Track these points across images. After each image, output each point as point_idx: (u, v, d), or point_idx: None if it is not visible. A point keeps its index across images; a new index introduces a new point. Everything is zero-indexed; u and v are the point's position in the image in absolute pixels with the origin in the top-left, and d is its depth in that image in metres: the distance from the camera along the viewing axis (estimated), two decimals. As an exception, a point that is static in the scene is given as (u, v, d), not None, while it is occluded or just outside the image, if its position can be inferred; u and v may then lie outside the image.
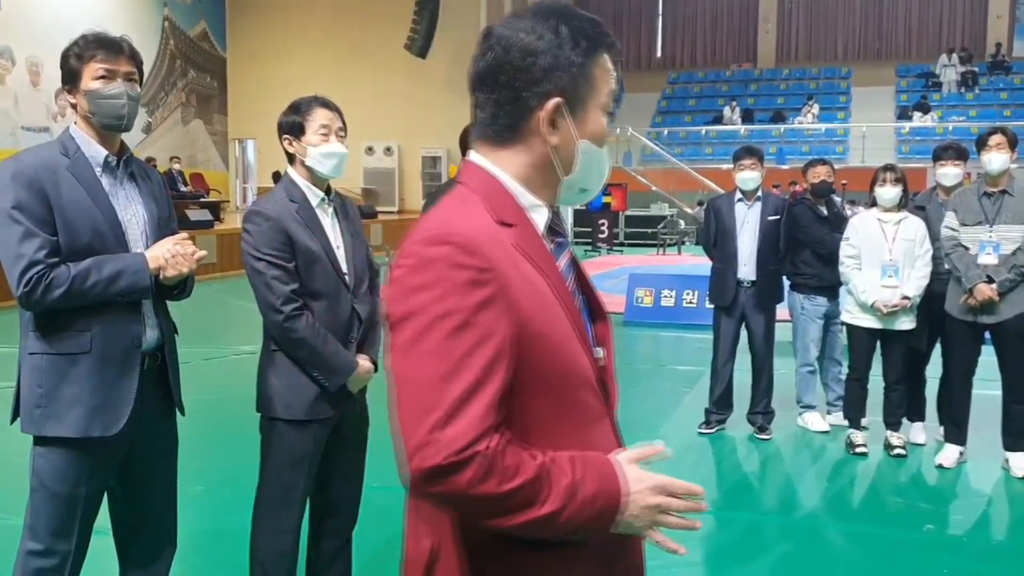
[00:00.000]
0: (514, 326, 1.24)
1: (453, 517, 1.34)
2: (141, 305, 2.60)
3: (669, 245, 20.31)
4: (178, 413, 2.83)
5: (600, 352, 1.44)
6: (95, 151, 2.55)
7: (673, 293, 10.44)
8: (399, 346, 1.24)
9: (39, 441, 2.53)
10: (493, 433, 1.20)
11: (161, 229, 2.67)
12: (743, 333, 5.94)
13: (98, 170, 2.55)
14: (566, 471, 1.26)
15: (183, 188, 18.44)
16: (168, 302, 2.77)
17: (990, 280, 4.95)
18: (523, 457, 1.23)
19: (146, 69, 20.04)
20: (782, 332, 6.11)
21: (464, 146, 4.22)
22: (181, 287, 2.70)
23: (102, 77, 2.52)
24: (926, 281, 5.31)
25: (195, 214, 15.26)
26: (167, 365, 2.72)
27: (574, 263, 1.50)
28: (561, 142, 1.37)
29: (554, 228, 1.44)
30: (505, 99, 1.35)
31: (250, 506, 3.06)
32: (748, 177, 5.82)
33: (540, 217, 1.40)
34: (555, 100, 1.34)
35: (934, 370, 5.68)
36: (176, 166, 18.73)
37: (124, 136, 2.67)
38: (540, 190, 1.40)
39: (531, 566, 1.34)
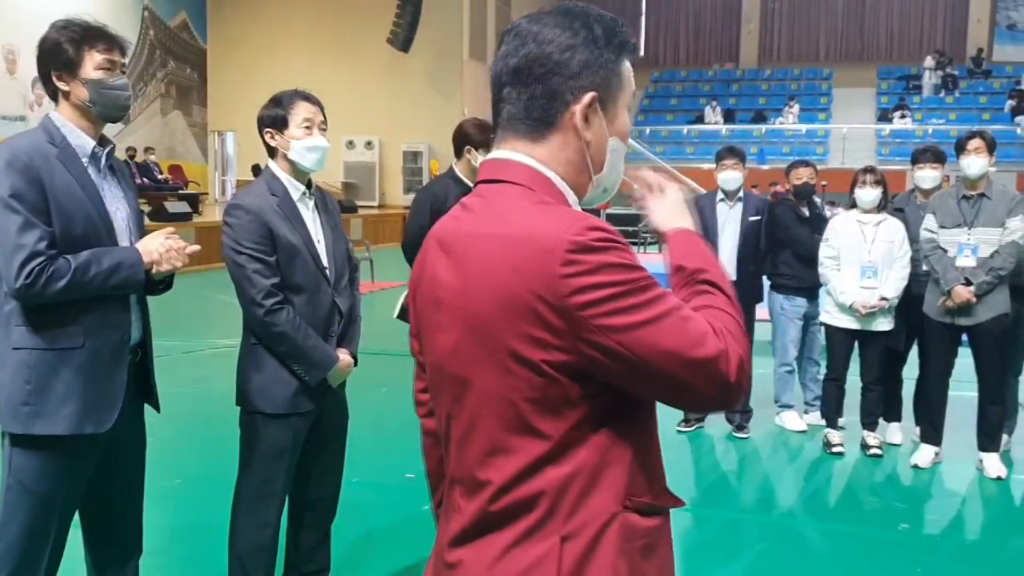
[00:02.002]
0: None
1: (600, 504, 1.32)
2: (128, 300, 2.56)
3: (650, 243, 20.35)
4: (147, 409, 2.78)
5: None
6: (82, 141, 2.49)
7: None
8: (628, 323, 1.25)
9: (21, 439, 2.43)
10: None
11: (139, 223, 2.65)
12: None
13: (84, 160, 2.49)
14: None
15: (159, 177, 18.31)
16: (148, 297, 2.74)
17: (968, 282, 4.99)
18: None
19: (127, 59, 20.08)
20: (761, 332, 6.14)
21: (459, 142, 4.21)
22: (167, 282, 2.67)
23: (106, 68, 2.48)
24: (904, 283, 5.35)
25: (173, 206, 15.13)
26: (146, 360, 2.70)
27: None
28: (593, 138, 1.39)
29: None
30: (540, 93, 1.36)
31: (229, 500, 3.05)
32: (730, 177, 5.84)
33: None
34: (591, 94, 1.36)
35: (911, 371, 5.72)
36: (151, 157, 18.58)
37: (105, 126, 2.63)
38: (577, 190, 1.42)
39: (650, 541, 1.37)
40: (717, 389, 1.28)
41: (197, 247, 2.67)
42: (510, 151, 1.39)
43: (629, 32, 1.42)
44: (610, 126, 1.40)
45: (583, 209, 1.42)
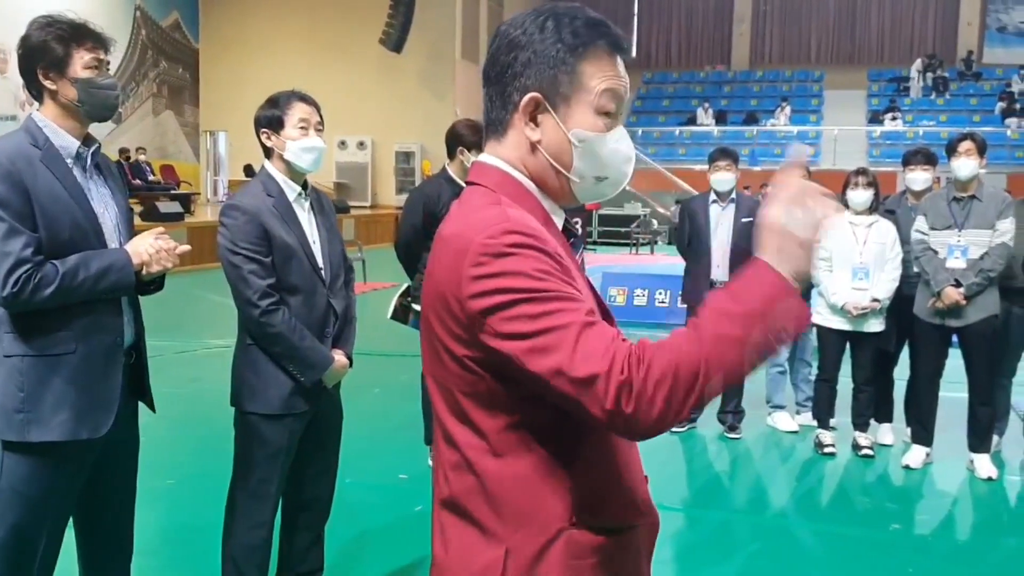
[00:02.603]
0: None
1: (545, 515, 1.32)
2: (119, 302, 2.54)
3: (642, 244, 20.40)
4: (141, 409, 2.78)
5: None
6: (66, 141, 2.45)
7: (646, 293, 10.48)
8: (512, 332, 1.23)
9: (15, 445, 2.40)
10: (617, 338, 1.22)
11: (128, 224, 2.63)
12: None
13: (69, 161, 2.44)
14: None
15: (151, 178, 18.25)
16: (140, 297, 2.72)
17: (958, 284, 5.02)
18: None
19: (116, 58, 19.90)
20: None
21: (452, 143, 4.22)
22: (158, 283, 2.66)
23: (94, 67, 2.44)
24: (895, 284, 5.37)
25: (165, 206, 15.07)
26: (140, 362, 2.68)
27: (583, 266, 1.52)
28: (545, 138, 1.36)
29: (567, 228, 1.47)
30: (495, 93, 1.39)
31: (222, 501, 3.05)
32: (723, 179, 5.86)
33: (558, 218, 1.43)
34: (530, 95, 1.35)
35: (902, 372, 5.74)
36: (143, 157, 18.53)
37: (96, 126, 2.60)
38: (549, 192, 1.41)
39: (601, 559, 1.36)
40: (600, 410, 1.19)
41: (187, 247, 2.65)
42: (486, 154, 1.43)
43: (600, 31, 1.37)
44: (567, 123, 1.35)
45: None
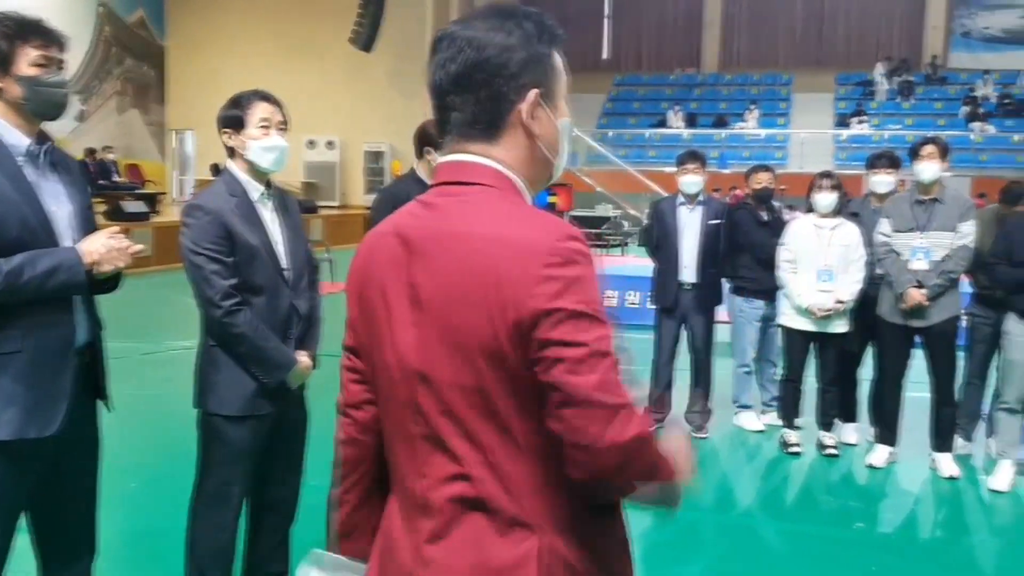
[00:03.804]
0: None
1: (561, 501, 1.37)
2: (72, 301, 2.50)
3: (613, 246, 20.46)
4: (104, 412, 2.74)
5: None
6: (16, 139, 2.40)
7: (616, 294, 10.52)
8: (576, 337, 1.28)
9: None
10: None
11: (86, 221, 2.59)
12: (684, 334, 6.02)
13: (20, 160, 2.40)
14: None
15: (117, 179, 18.03)
16: (97, 297, 2.68)
17: (920, 285, 5.08)
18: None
19: (80, 55, 19.70)
20: (721, 333, 6.20)
21: (420, 143, 4.20)
22: (113, 281, 2.61)
23: (42, 64, 2.40)
24: (860, 286, 5.43)
25: (131, 206, 14.90)
26: (96, 362, 2.65)
27: None
28: (543, 131, 1.43)
29: None
30: (485, 96, 1.40)
31: (187, 503, 3.02)
32: (691, 181, 5.90)
33: None
34: (535, 91, 1.40)
35: (866, 372, 5.81)
36: (110, 156, 18.31)
37: (55, 123, 2.56)
38: (533, 184, 1.47)
39: (610, 532, 1.47)
40: (603, 434, 1.27)
41: (141, 246, 2.60)
42: (476, 155, 1.42)
43: (555, 25, 1.46)
44: (555, 114, 1.45)
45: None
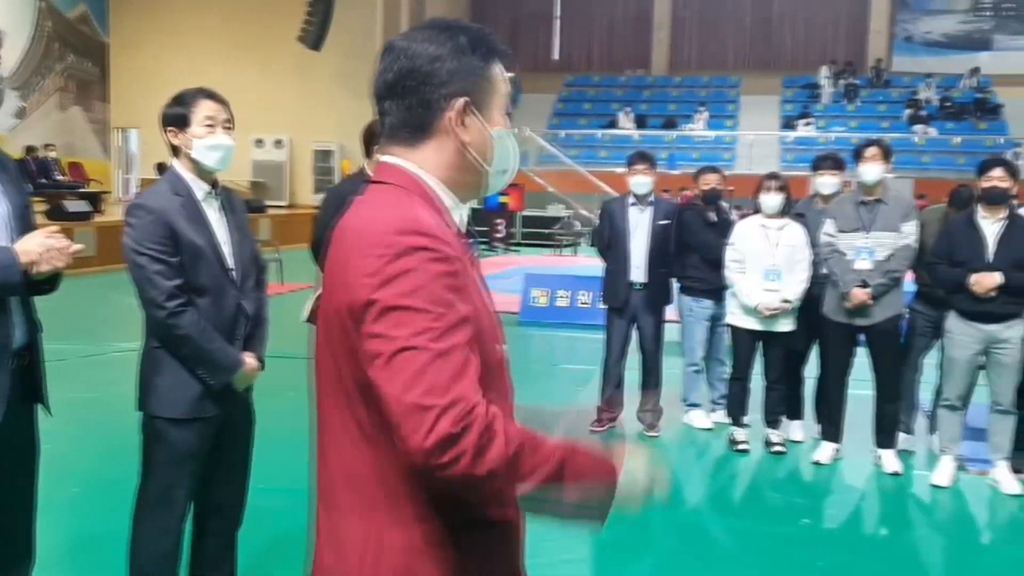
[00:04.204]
0: (472, 314, 1.36)
1: (414, 501, 1.39)
2: (8, 302, 2.44)
3: (565, 246, 20.52)
4: (43, 415, 2.68)
5: (503, 348, 1.53)
6: None
7: (568, 294, 10.55)
8: (389, 332, 1.28)
9: None
10: (484, 401, 1.29)
11: (23, 221, 2.53)
12: (634, 333, 6.05)
13: None
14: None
15: (59, 177, 17.63)
16: (37, 298, 2.61)
17: (864, 285, 5.17)
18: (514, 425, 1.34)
19: (19, 51, 19.23)
20: (671, 332, 6.25)
21: (367, 142, 4.18)
22: (51, 282, 2.55)
23: None
24: (806, 285, 5.51)
25: (73, 205, 14.56)
26: (33, 364, 2.58)
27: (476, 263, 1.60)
28: (472, 138, 1.48)
29: (466, 229, 1.57)
30: (415, 103, 1.47)
31: (129, 508, 2.96)
32: (641, 182, 5.93)
33: (457, 217, 1.52)
34: (462, 99, 1.46)
35: (812, 370, 5.90)
36: (52, 154, 17.90)
37: None
38: (457, 188, 1.51)
39: (473, 545, 1.44)
40: (416, 443, 1.25)
41: (80, 246, 2.55)
42: (394, 157, 1.50)
43: (495, 40, 1.53)
44: (487, 124, 1.50)
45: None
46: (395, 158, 1.50)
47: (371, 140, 4.16)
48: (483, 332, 1.40)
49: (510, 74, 1.55)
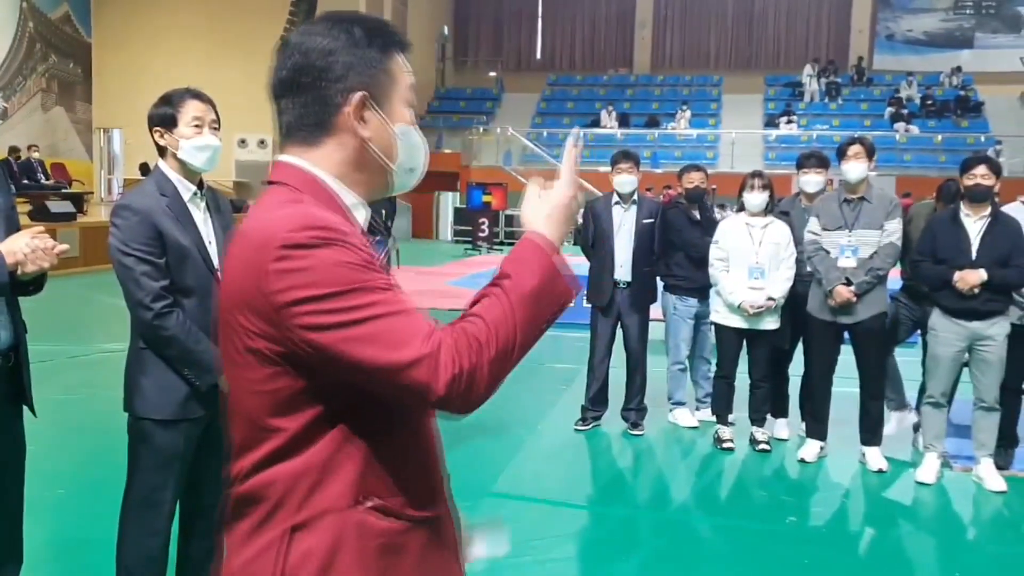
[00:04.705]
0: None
1: (330, 497, 1.35)
2: None
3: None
4: (29, 416, 2.66)
5: None
6: None
7: (550, 292, 10.54)
8: (335, 321, 1.25)
9: None
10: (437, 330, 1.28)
11: (9, 222, 2.52)
12: (619, 332, 6.07)
13: None
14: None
15: (44, 180, 17.52)
16: (21, 299, 2.60)
17: (849, 282, 5.20)
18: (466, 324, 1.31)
19: (1, 51, 19.08)
20: (655, 331, 6.27)
21: None
22: (37, 283, 2.54)
23: None
24: (790, 283, 5.54)
25: (56, 206, 14.49)
26: (19, 366, 2.57)
27: (388, 263, 1.56)
28: (374, 134, 1.43)
29: (372, 226, 1.51)
30: (311, 100, 1.41)
31: (116, 511, 2.94)
32: (625, 180, 5.95)
33: (360, 215, 1.46)
34: (360, 94, 1.41)
35: (797, 368, 5.93)
36: (35, 155, 17.79)
37: None
38: (360, 186, 1.45)
39: (388, 543, 1.38)
40: (419, 395, 1.26)
41: (66, 247, 2.54)
42: (287, 155, 1.45)
43: (394, 32, 1.47)
44: (389, 118, 1.45)
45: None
46: (289, 156, 1.44)
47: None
48: None
49: (408, 67, 1.49)
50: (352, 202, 1.44)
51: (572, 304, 1.43)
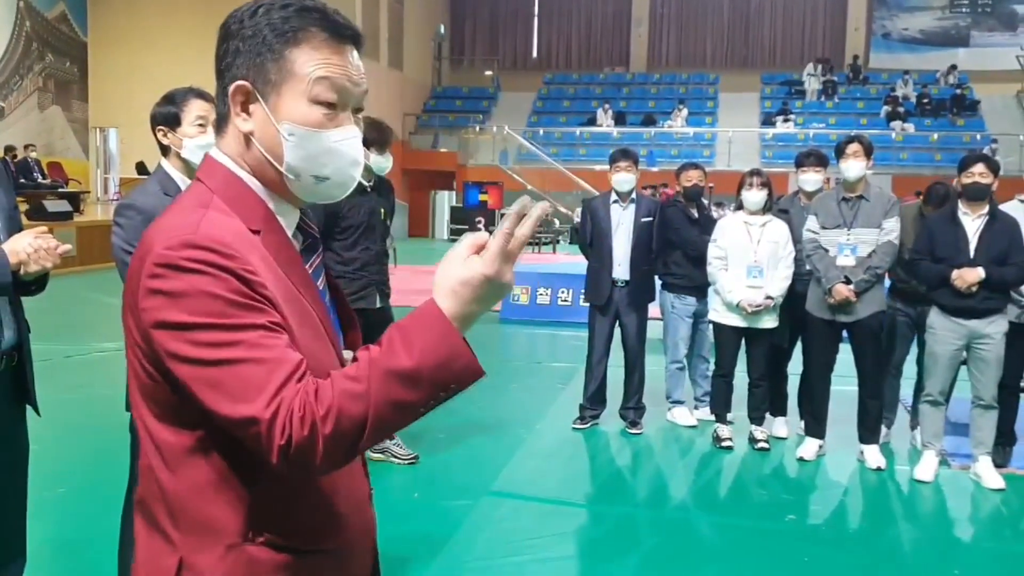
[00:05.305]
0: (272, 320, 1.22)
1: (218, 528, 1.27)
2: None
3: (545, 244, 20.55)
4: (31, 415, 2.67)
5: (350, 355, 1.37)
6: None
7: (548, 291, 10.57)
8: (189, 355, 1.18)
9: None
10: (298, 384, 1.17)
11: (12, 221, 2.52)
12: (616, 331, 6.07)
13: None
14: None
15: (41, 180, 17.49)
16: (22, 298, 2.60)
17: (848, 281, 5.21)
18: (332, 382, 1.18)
19: (-2, 51, 19.03)
20: (653, 330, 6.27)
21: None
22: (40, 283, 2.55)
23: None
24: (788, 282, 5.54)
25: (53, 205, 14.48)
26: (23, 365, 2.57)
27: (325, 269, 1.48)
28: (257, 128, 1.31)
29: (305, 229, 1.43)
30: (218, 87, 1.35)
31: (116, 510, 2.95)
32: (623, 179, 5.95)
33: (287, 218, 1.37)
34: (237, 84, 1.30)
35: (795, 367, 5.93)
36: (32, 154, 17.76)
37: None
38: (277, 188, 1.34)
39: (290, 569, 1.30)
40: (265, 452, 1.16)
41: (69, 247, 2.55)
42: (215, 148, 1.37)
43: (313, 16, 1.31)
44: (277, 114, 1.30)
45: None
46: (214, 150, 1.36)
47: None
48: (299, 332, 1.26)
49: (330, 56, 1.31)
50: (277, 205, 1.34)
51: (472, 383, 1.22)
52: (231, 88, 1.30)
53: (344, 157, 1.34)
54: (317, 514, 1.33)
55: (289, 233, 1.37)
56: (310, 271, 1.39)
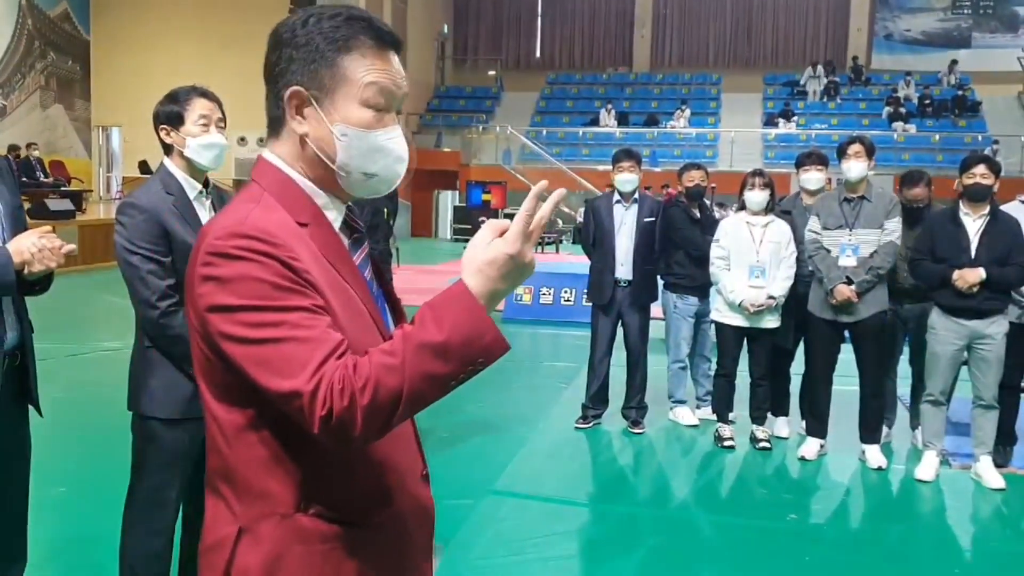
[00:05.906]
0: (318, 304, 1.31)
1: (273, 499, 1.37)
2: (1, 302, 2.44)
3: (548, 244, 20.55)
4: (33, 415, 2.67)
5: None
6: None
7: (551, 291, 10.58)
8: (238, 335, 1.28)
9: None
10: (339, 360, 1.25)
11: (17, 221, 2.52)
12: (619, 330, 6.08)
13: None
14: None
15: (43, 178, 17.51)
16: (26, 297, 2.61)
17: (849, 281, 5.21)
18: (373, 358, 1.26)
19: (0, 49, 19.04)
20: (655, 329, 6.28)
21: None
22: (44, 283, 2.55)
23: None
24: (790, 282, 5.55)
25: (55, 204, 14.50)
26: (25, 366, 2.58)
27: (372, 261, 1.55)
28: (312, 131, 1.41)
29: (351, 224, 1.51)
30: (269, 92, 1.44)
31: (118, 509, 2.95)
32: (627, 179, 5.95)
33: (335, 214, 1.46)
34: (292, 89, 1.39)
35: (797, 367, 5.94)
36: (34, 153, 17.78)
37: None
38: (324, 185, 1.44)
39: (334, 548, 1.38)
40: (308, 424, 1.24)
41: (73, 246, 2.55)
42: (266, 150, 1.47)
43: (362, 27, 1.40)
44: (330, 116, 1.40)
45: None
46: (266, 150, 1.47)
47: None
48: (343, 319, 1.34)
49: (380, 63, 1.41)
50: (324, 201, 1.44)
51: (499, 358, 1.30)
52: (286, 93, 1.40)
53: (391, 154, 1.45)
54: (366, 488, 1.42)
55: (336, 227, 1.45)
56: (357, 263, 1.47)
